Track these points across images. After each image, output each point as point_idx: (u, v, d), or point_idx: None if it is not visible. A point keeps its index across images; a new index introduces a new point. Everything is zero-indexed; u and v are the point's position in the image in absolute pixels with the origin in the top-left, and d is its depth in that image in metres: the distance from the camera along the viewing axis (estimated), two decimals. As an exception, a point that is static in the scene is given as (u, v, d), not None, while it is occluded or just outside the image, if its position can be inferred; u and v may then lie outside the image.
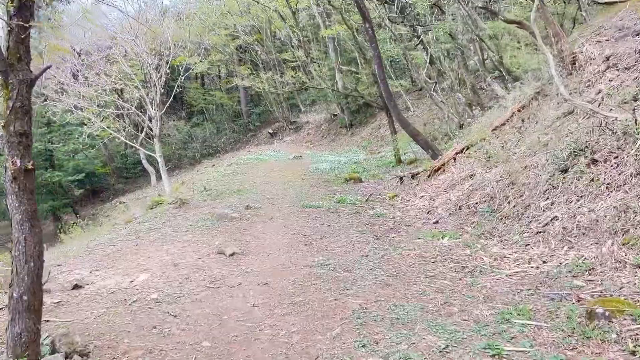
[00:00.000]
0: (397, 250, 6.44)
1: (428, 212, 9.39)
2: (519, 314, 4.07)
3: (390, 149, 17.50)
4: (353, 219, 8.94)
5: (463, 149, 11.73)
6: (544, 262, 5.45)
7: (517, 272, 5.28)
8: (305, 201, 10.51)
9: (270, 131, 31.43)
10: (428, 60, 19.35)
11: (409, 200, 10.81)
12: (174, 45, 20.14)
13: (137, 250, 6.82)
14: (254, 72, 27.41)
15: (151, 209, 12.25)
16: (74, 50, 22.33)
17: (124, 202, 25.78)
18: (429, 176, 12.00)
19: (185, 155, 31.51)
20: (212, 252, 6.61)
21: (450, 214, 8.77)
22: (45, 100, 20.54)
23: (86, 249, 7.30)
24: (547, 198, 6.91)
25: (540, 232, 6.26)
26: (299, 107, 32.33)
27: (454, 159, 11.72)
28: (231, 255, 6.42)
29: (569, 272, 4.93)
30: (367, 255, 6.21)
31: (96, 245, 7.39)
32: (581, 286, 4.54)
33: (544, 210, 6.71)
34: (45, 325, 4.20)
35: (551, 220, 6.34)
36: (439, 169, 11.94)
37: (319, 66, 25.63)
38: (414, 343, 3.69)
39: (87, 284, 5.35)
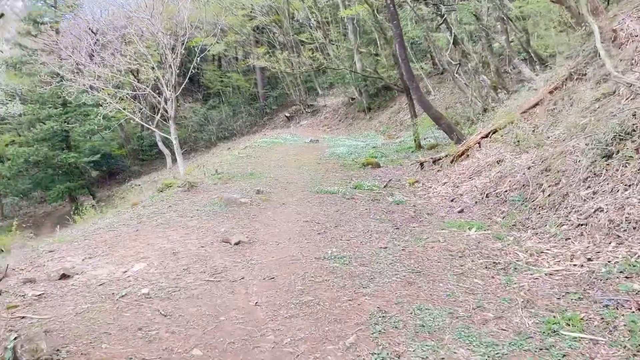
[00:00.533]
0: (419, 242, 5.80)
1: (452, 200, 8.74)
2: (568, 324, 3.42)
3: (410, 134, 16.87)
4: (370, 206, 8.32)
5: (489, 133, 11.04)
6: (589, 259, 4.77)
7: (558, 270, 4.62)
8: (320, 186, 9.92)
9: (287, 114, 30.84)
10: (452, 41, 18.54)
11: (430, 187, 10.17)
12: (190, 25, 19.66)
13: (137, 237, 6.30)
14: (270, 52, 26.72)
15: (161, 191, 11.79)
16: (90, 29, 22.08)
17: (138, 185, 25.68)
18: (451, 161, 11.34)
19: (201, 138, 31.17)
20: (216, 240, 6.05)
21: (476, 202, 8.10)
22: (61, 80, 20.35)
23: (84, 233, 6.82)
24: (589, 187, 6.19)
25: (581, 225, 5.57)
26: (317, 91, 31.64)
27: (479, 144, 11.03)
28: (237, 244, 5.86)
29: (621, 272, 4.25)
30: (386, 247, 5.59)
31: (95, 230, 6.90)
32: (639, 290, 3.87)
33: (585, 200, 6.00)
34: (19, 323, 3.71)
35: (594, 211, 5.64)
36: (462, 154, 11.28)
37: (337, 48, 24.84)
38: (443, 358, 3.09)
39: (77, 274, 4.84)
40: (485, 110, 14.95)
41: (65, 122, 24.51)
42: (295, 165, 13.39)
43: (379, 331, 3.45)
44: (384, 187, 10.21)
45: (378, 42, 23.29)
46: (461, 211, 7.82)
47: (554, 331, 3.34)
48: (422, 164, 12.18)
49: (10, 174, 24.48)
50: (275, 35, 29.55)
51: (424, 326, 3.51)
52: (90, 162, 26.22)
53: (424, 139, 15.60)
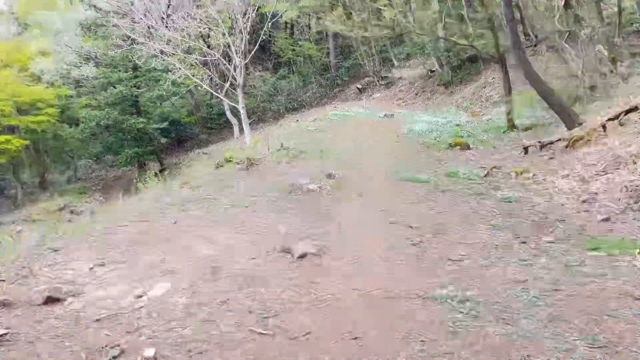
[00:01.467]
0: (571, 274, 3.81)
1: (584, 201, 6.56)
2: None
3: (497, 112, 14.60)
4: (474, 203, 6.35)
5: (619, 114, 8.77)
6: None
7: None
8: (403, 172, 8.00)
9: (359, 86, 28.97)
10: (562, 4, 15.80)
11: (545, 179, 7.97)
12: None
13: (172, 234, 4.76)
14: (347, 15, 24.72)
15: (219, 167, 10.43)
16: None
17: (206, 153, 25.15)
18: (566, 147, 9.17)
19: (269, 109, 30.04)
20: (274, 247, 4.38)
21: (627, 206, 5.91)
22: (132, 43, 20.00)
23: (107, 225, 5.35)
24: None
25: None
26: (392, 62, 29.39)
27: (604, 127, 8.78)
28: (301, 257, 4.15)
29: None
30: (525, 282, 3.66)
31: (122, 219, 5.44)
32: None
33: None
34: None
35: None
36: (580, 139, 9.06)
37: (419, 13, 22.41)
38: None
39: (72, 296, 3.33)
40: (600, 87, 12.46)
41: (135, 86, 24.15)
42: (370, 143, 11.53)
43: None
44: (484, 176, 8.18)
45: (464, 8, 20.58)
46: (606, 220, 5.69)
47: None
48: (526, 149, 10.00)
49: (83, 137, 25.14)
50: (352, 1, 27.50)
51: None
52: (159, 128, 25.81)
53: (518, 118, 13.28)
